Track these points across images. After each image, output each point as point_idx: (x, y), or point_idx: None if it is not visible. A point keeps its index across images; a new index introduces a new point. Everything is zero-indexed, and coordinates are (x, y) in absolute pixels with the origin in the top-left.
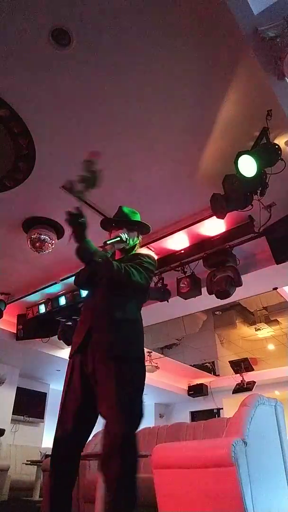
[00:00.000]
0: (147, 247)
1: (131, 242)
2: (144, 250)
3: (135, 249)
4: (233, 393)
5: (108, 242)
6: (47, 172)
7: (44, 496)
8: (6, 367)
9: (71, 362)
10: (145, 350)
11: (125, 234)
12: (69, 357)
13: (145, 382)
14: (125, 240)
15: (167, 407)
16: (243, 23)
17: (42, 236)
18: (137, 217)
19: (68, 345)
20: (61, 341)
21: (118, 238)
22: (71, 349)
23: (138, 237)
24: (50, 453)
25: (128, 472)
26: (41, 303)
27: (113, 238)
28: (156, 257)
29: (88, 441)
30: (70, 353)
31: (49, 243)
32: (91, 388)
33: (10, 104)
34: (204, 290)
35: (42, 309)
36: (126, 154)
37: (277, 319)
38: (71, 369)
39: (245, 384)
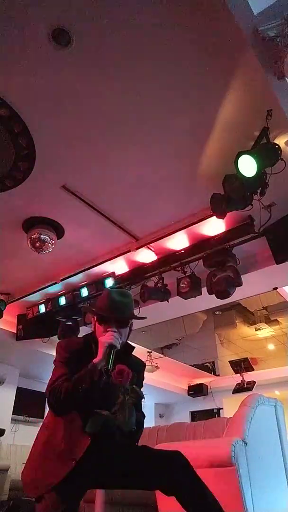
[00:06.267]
0: (147, 247)
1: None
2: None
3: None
4: (233, 393)
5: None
6: (47, 172)
7: None
8: (6, 367)
9: None
10: (145, 350)
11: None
12: None
13: (145, 383)
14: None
15: (167, 407)
16: (243, 23)
17: (42, 236)
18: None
19: None
20: None
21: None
22: None
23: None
24: None
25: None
26: (41, 303)
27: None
28: None
29: None
30: None
31: (49, 243)
32: None
33: (10, 104)
34: (204, 290)
35: (42, 309)
36: (126, 154)
37: (277, 319)
38: None
39: (245, 384)
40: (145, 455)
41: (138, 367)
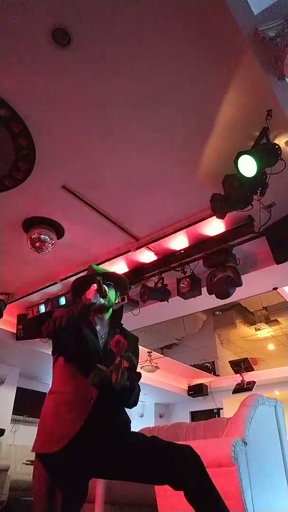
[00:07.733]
0: (147, 247)
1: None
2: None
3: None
4: (233, 393)
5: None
6: (47, 172)
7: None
8: (6, 367)
9: None
10: (145, 350)
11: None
12: None
13: (145, 383)
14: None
15: (167, 407)
16: (243, 23)
17: (42, 236)
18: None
19: None
20: None
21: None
22: None
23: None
24: None
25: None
26: (41, 303)
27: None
28: None
29: None
30: None
31: (49, 243)
32: None
33: (10, 104)
34: (204, 290)
35: (42, 309)
36: (126, 154)
37: (277, 319)
38: None
39: (245, 384)
40: (156, 448)
41: (133, 340)
